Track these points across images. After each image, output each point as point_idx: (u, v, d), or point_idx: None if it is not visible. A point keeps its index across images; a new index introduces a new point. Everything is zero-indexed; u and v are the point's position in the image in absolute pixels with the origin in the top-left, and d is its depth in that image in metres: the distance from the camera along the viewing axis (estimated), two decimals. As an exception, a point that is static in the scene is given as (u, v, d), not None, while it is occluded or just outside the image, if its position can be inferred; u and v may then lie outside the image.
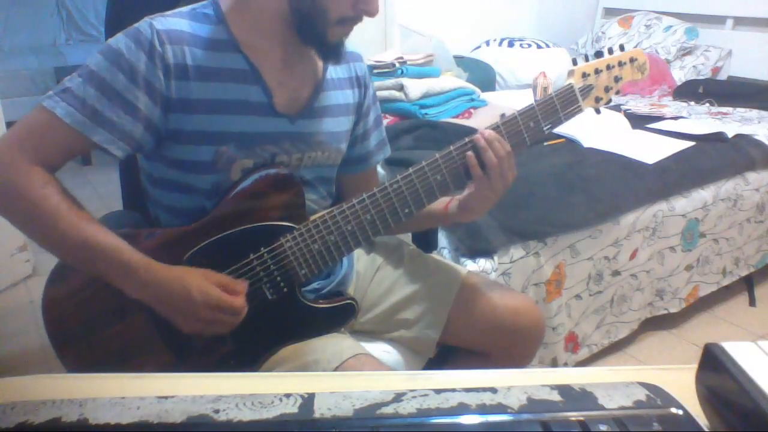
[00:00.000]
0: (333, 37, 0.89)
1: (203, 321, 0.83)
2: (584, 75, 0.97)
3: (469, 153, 0.91)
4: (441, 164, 0.91)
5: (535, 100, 0.94)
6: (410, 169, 0.91)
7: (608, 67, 0.98)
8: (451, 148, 0.92)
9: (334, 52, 0.92)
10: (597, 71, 0.98)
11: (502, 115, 0.94)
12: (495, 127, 0.92)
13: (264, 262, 0.88)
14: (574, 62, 0.98)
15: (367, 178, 1.13)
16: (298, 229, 0.89)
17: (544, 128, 0.94)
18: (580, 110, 0.97)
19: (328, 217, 0.89)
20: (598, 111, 1.01)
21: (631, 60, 1.00)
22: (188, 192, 0.91)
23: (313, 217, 0.90)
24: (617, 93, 1.01)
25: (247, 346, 0.91)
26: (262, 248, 0.88)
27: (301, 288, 0.93)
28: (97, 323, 0.88)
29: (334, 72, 1.01)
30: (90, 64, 0.83)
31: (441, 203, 1.01)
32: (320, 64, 0.99)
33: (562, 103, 0.95)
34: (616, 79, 0.99)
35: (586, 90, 0.97)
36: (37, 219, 0.80)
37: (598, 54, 0.99)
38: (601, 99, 0.99)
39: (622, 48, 1.01)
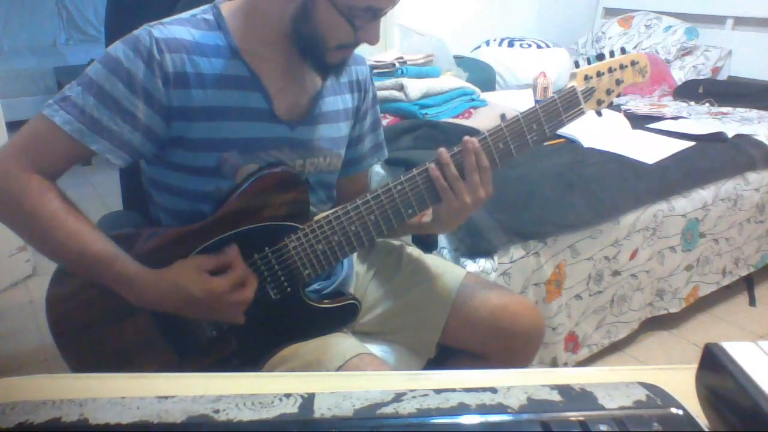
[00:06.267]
0: (332, 60, 0.89)
1: (219, 312, 0.84)
2: (586, 77, 0.98)
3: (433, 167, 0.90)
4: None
5: (537, 102, 0.94)
6: (414, 170, 0.91)
7: (610, 70, 0.99)
8: (455, 149, 0.92)
9: (333, 71, 0.92)
10: (599, 74, 0.98)
11: (503, 116, 0.94)
12: (497, 130, 0.92)
13: (268, 261, 0.88)
14: (577, 65, 0.99)
15: (358, 180, 1.13)
16: (302, 229, 0.89)
17: (547, 130, 0.95)
18: (582, 113, 0.97)
19: (332, 217, 0.89)
20: (599, 113, 1.02)
21: (632, 63, 1.01)
22: (192, 196, 0.91)
23: (317, 218, 0.91)
24: (618, 95, 1.01)
25: (251, 346, 0.91)
26: (266, 248, 0.88)
27: (304, 288, 0.93)
28: (101, 320, 0.88)
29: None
30: (89, 72, 0.82)
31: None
32: None
33: (565, 106, 0.95)
34: (618, 82, 1.00)
35: (588, 92, 0.98)
36: (35, 227, 0.80)
37: (600, 57, 1.00)
38: (603, 101, 1.00)
39: (623, 50, 1.02)
